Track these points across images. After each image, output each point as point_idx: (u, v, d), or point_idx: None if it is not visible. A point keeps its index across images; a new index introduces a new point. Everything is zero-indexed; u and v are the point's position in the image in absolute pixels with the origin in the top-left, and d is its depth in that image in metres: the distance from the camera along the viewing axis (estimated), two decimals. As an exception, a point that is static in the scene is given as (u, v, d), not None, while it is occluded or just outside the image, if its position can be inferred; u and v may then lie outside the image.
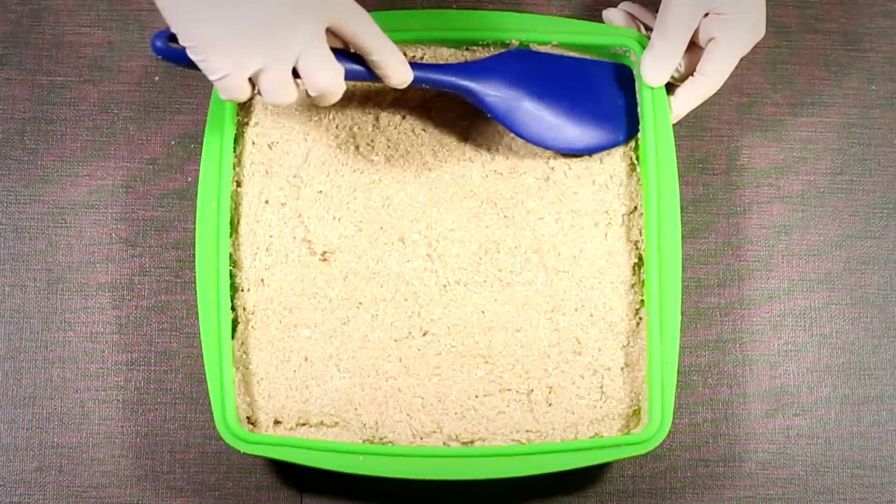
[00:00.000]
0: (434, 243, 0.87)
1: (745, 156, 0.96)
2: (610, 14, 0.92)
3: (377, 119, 0.90)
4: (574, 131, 0.88)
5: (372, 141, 0.89)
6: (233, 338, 0.85)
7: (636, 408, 0.86)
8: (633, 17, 0.91)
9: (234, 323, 0.86)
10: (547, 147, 0.88)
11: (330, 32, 0.75)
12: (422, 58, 0.90)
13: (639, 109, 0.88)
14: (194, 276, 0.84)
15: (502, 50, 0.88)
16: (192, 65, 0.74)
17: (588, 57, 0.89)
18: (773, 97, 0.97)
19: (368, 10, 0.92)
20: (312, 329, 0.87)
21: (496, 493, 0.91)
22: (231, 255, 0.86)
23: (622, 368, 0.87)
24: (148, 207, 0.93)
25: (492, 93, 0.85)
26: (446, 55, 0.90)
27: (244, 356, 0.86)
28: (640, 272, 0.87)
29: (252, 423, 0.85)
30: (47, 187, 0.93)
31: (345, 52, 0.78)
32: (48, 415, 0.91)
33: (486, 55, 0.90)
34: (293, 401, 0.86)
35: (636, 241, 0.88)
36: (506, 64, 0.87)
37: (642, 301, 0.87)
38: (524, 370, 0.86)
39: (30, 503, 0.90)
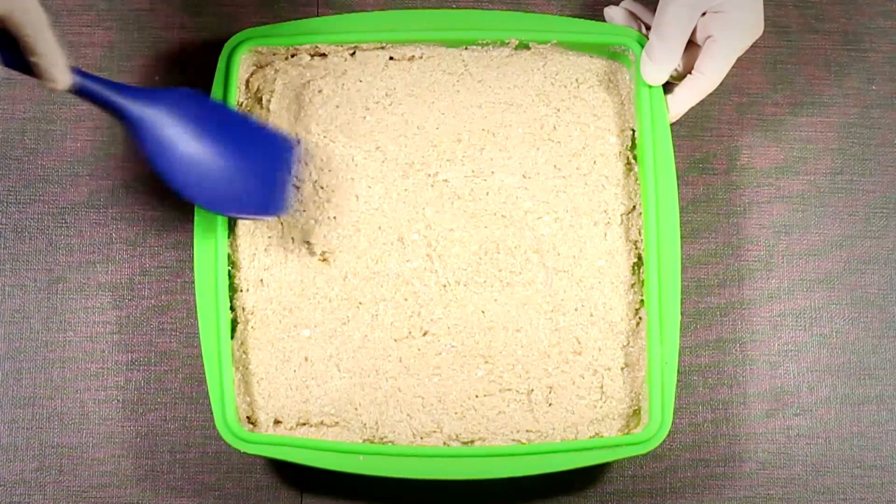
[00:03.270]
0: (433, 243, 0.88)
1: (745, 156, 0.96)
2: (611, 12, 0.92)
3: (372, 116, 0.90)
4: (232, 192, 0.83)
5: (367, 140, 0.89)
6: (232, 338, 0.86)
7: (636, 408, 0.86)
8: (634, 15, 0.91)
9: (234, 323, 0.86)
10: (197, 203, 0.83)
11: None
12: (420, 57, 0.90)
13: (636, 108, 0.88)
14: (194, 277, 0.84)
15: (178, 87, 0.84)
16: None
17: (261, 124, 0.87)
18: (773, 97, 0.97)
19: (369, 10, 0.92)
20: (312, 329, 0.87)
21: (496, 493, 0.91)
22: (230, 256, 0.86)
23: (622, 368, 0.87)
24: (148, 207, 0.93)
25: (150, 127, 0.80)
26: (446, 55, 0.90)
27: (244, 356, 0.86)
28: (639, 272, 0.87)
29: (252, 423, 0.85)
30: (47, 187, 0.93)
31: (6, 40, 0.73)
32: (48, 415, 0.91)
33: (486, 54, 0.90)
34: (293, 401, 0.86)
35: (635, 241, 0.88)
36: (174, 100, 0.82)
37: (642, 301, 0.87)
38: (524, 370, 0.86)
39: (30, 503, 0.90)
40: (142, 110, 0.80)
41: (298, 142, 0.87)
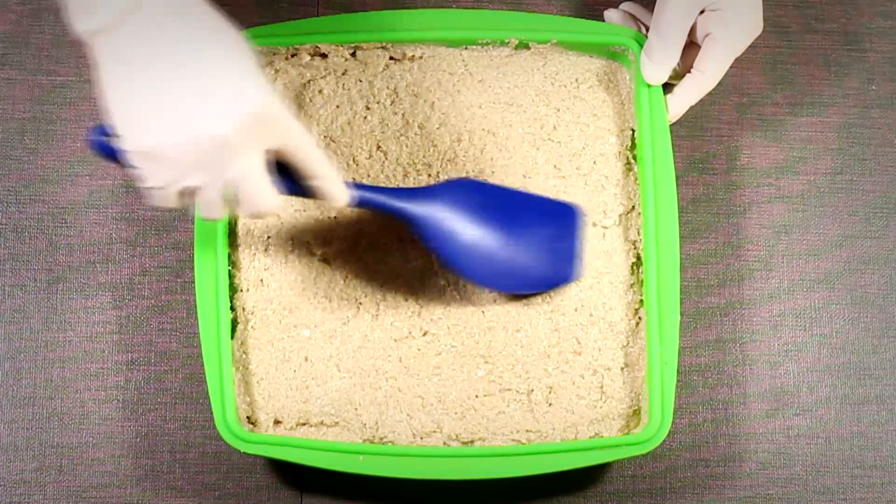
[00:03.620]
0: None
1: (745, 156, 0.96)
2: (611, 14, 0.92)
3: (373, 116, 0.90)
4: (518, 270, 0.85)
5: (368, 140, 0.89)
6: (232, 338, 0.85)
7: (636, 408, 0.86)
8: (634, 17, 0.91)
9: (234, 323, 0.86)
10: (487, 286, 0.85)
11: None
12: (420, 57, 0.90)
13: (635, 108, 0.88)
14: (194, 277, 0.84)
15: (452, 178, 0.86)
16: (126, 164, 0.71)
17: (539, 194, 0.87)
18: (773, 97, 0.97)
19: (369, 10, 0.92)
20: (312, 329, 0.87)
21: (496, 493, 0.91)
22: (230, 256, 0.86)
23: (622, 368, 0.87)
24: (148, 207, 0.93)
25: (432, 223, 0.82)
26: (446, 55, 0.90)
27: (244, 356, 0.86)
28: (638, 272, 0.87)
29: (252, 423, 0.85)
30: (47, 187, 0.93)
31: (282, 168, 0.75)
32: (48, 415, 0.91)
33: (486, 54, 0.90)
34: (293, 401, 0.86)
35: (634, 241, 0.88)
36: (450, 192, 0.84)
37: (641, 301, 0.87)
38: (524, 370, 0.86)
39: (30, 503, 0.90)
40: (421, 209, 0.82)
41: (578, 208, 0.87)
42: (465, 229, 0.83)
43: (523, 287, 0.86)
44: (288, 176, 0.75)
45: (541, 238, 0.85)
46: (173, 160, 0.69)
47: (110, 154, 0.73)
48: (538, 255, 0.85)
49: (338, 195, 0.77)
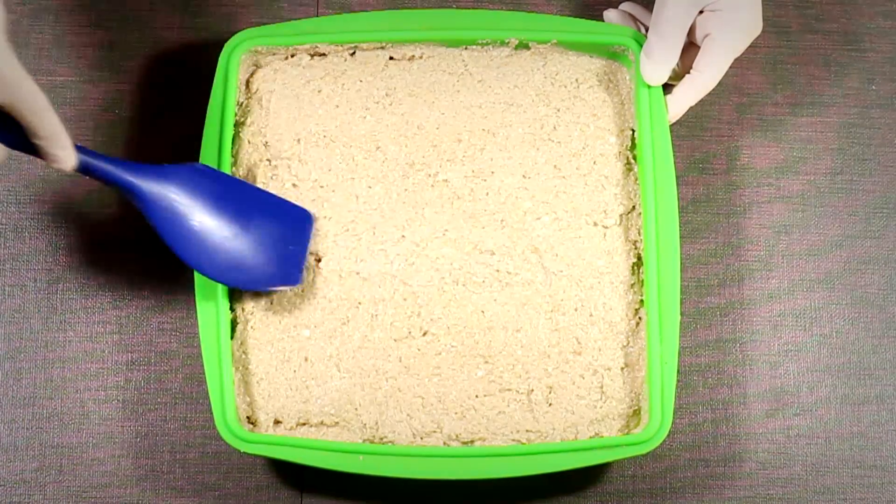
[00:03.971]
0: (433, 243, 0.87)
1: (745, 156, 0.96)
2: (611, 15, 0.92)
3: (372, 116, 0.90)
4: (244, 265, 0.84)
5: (368, 140, 0.89)
6: (232, 338, 0.85)
7: (636, 408, 0.86)
8: (633, 17, 0.91)
9: (234, 323, 0.86)
10: (209, 277, 0.83)
11: None
12: (420, 57, 0.90)
13: (635, 108, 0.88)
14: (194, 277, 0.84)
15: (189, 163, 0.84)
16: None
17: (275, 195, 0.86)
18: (773, 97, 0.97)
19: (369, 11, 0.92)
20: (312, 329, 0.87)
21: (496, 493, 0.91)
22: (230, 255, 0.86)
23: (622, 368, 0.87)
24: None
25: (160, 203, 0.81)
26: (446, 55, 0.90)
27: (244, 356, 0.86)
28: (639, 272, 0.87)
29: (252, 423, 0.85)
30: (47, 187, 0.93)
31: (8, 122, 0.73)
32: (48, 415, 0.91)
33: (486, 54, 0.90)
34: (293, 401, 0.86)
35: (635, 241, 0.88)
36: (185, 175, 0.82)
37: (641, 301, 0.87)
38: (524, 370, 0.86)
39: (30, 503, 0.90)
40: (150, 187, 0.80)
41: (312, 215, 0.87)
42: (194, 215, 0.82)
43: (246, 283, 0.84)
44: (15, 130, 0.74)
45: (272, 237, 0.85)
46: None
47: None
48: (266, 254, 0.84)
49: (63, 158, 0.76)
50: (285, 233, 0.85)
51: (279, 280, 0.85)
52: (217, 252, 0.83)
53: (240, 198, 0.84)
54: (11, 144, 0.74)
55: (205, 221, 0.82)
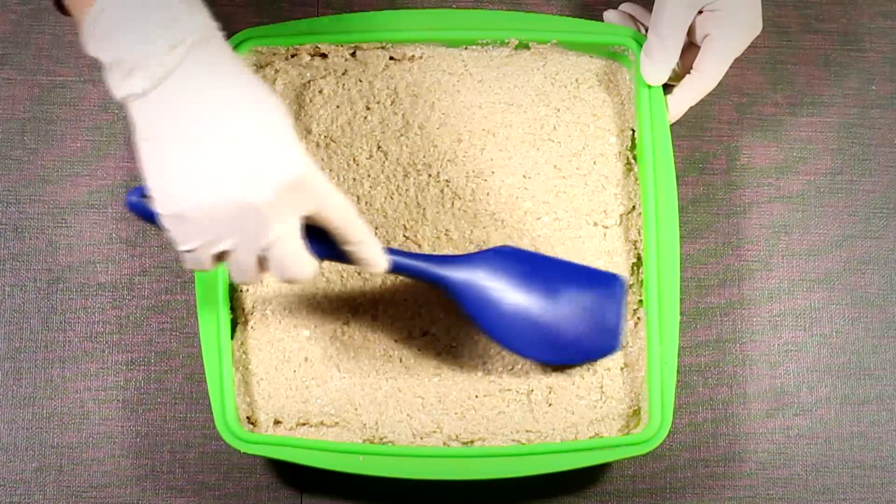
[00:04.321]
0: (434, 243, 0.87)
1: (745, 156, 0.96)
2: (610, 15, 0.92)
3: (373, 117, 0.90)
4: (559, 340, 0.84)
5: (368, 140, 0.89)
6: (232, 338, 0.85)
7: (636, 408, 0.86)
8: (633, 18, 0.91)
9: (234, 323, 0.86)
10: (526, 356, 0.84)
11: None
12: (420, 57, 0.90)
13: (635, 108, 0.88)
14: (194, 276, 0.84)
15: (492, 247, 0.85)
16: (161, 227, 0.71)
17: (582, 264, 0.86)
18: (773, 97, 0.97)
19: (369, 11, 0.92)
20: (312, 329, 0.87)
21: (496, 493, 0.91)
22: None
23: (622, 368, 0.87)
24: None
25: (471, 291, 0.82)
26: (446, 55, 0.90)
27: (244, 356, 0.86)
28: (638, 272, 0.87)
29: (252, 423, 0.85)
30: (47, 187, 0.93)
31: (318, 233, 0.74)
32: (48, 415, 0.91)
33: (486, 54, 0.90)
34: (293, 401, 0.86)
35: (635, 241, 0.88)
36: (491, 260, 0.83)
37: (641, 301, 0.87)
38: (524, 370, 0.86)
39: (30, 503, 0.90)
40: (460, 276, 0.81)
41: (622, 279, 0.86)
42: (504, 297, 0.82)
43: (564, 358, 0.85)
44: (324, 241, 0.74)
45: (583, 308, 0.84)
46: (206, 225, 0.68)
47: (146, 215, 0.72)
48: (580, 326, 0.84)
49: (376, 261, 0.76)
50: (596, 301, 0.84)
51: (596, 350, 0.85)
52: (532, 330, 0.83)
53: (547, 272, 0.84)
54: (322, 255, 0.75)
55: (517, 303, 0.82)
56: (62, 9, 0.71)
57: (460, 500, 0.90)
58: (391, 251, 0.79)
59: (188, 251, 0.70)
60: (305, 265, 0.72)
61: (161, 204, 0.69)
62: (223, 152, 0.67)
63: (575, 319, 0.84)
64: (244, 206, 0.67)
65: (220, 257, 0.71)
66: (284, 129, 0.69)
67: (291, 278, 0.72)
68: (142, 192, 0.73)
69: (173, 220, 0.69)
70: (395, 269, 0.79)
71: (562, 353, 0.84)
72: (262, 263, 0.71)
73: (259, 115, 0.68)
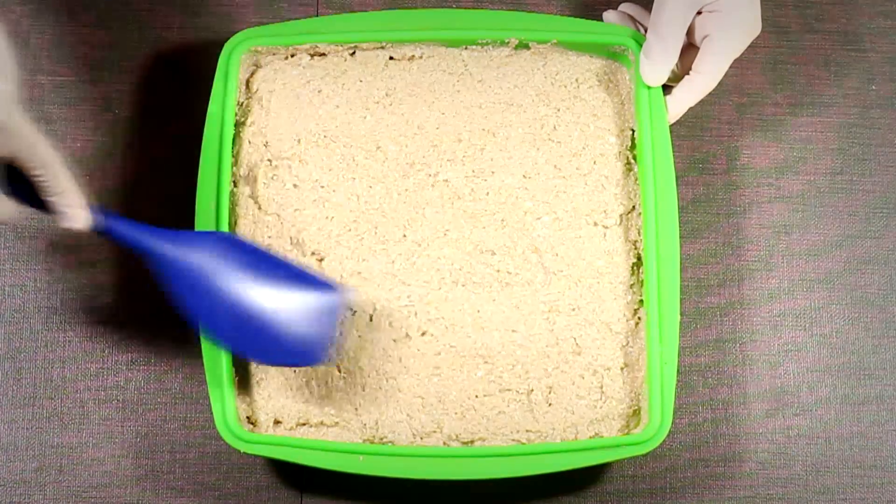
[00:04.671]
0: (433, 243, 0.87)
1: (745, 156, 0.96)
2: (609, 16, 0.92)
3: (372, 116, 0.90)
4: (265, 340, 0.81)
5: (368, 140, 0.89)
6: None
7: (636, 408, 0.86)
8: (632, 18, 0.91)
9: (234, 323, 0.86)
10: (227, 348, 0.81)
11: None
12: (420, 57, 0.90)
13: (635, 108, 0.88)
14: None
15: (216, 231, 0.83)
16: None
17: (307, 270, 0.83)
18: (773, 97, 0.97)
19: (369, 11, 0.92)
20: (312, 329, 0.87)
21: (496, 493, 0.91)
22: (229, 256, 0.86)
23: (622, 368, 0.87)
24: (148, 207, 0.93)
25: (179, 268, 0.79)
26: (446, 55, 0.90)
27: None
28: (638, 272, 0.87)
29: (252, 423, 0.85)
30: (47, 187, 0.93)
31: (19, 177, 0.73)
32: (48, 415, 0.91)
33: (486, 54, 0.90)
34: (293, 401, 0.86)
35: (635, 241, 0.88)
36: (211, 244, 0.81)
37: (641, 301, 0.87)
38: (524, 370, 0.86)
39: (30, 503, 0.90)
40: (174, 254, 0.79)
41: (343, 294, 0.83)
42: (219, 287, 0.80)
43: (261, 357, 0.82)
44: (28, 186, 0.73)
45: (295, 312, 0.81)
46: None
47: None
48: (289, 329, 0.81)
49: (75, 217, 0.75)
50: (314, 307, 0.82)
51: (300, 358, 0.82)
52: (240, 323, 0.80)
53: (267, 270, 0.82)
54: (24, 200, 0.74)
55: (227, 291, 0.80)
56: None
57: (460, 500, 0.90)
58: (103, 211, 0.77)
59: None
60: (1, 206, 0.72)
61: None
62: None
63: (284, 321, 0.81)
64: None
65: None
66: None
67: None
68: None
69: None
70: (104, 231, 0.77)
71: (266, 352, 0.81)
72: None
73: None
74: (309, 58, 0.90)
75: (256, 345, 0.81)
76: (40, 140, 0.72)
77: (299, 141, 0.89)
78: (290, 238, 0.88)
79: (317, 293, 0.82)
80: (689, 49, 0.87)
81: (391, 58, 0.91)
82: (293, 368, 0.86)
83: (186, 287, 0.79)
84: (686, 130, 0.96)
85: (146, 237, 0.78)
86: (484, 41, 0.90)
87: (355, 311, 0.85)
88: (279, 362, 0.83)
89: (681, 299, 0.85)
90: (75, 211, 0.75)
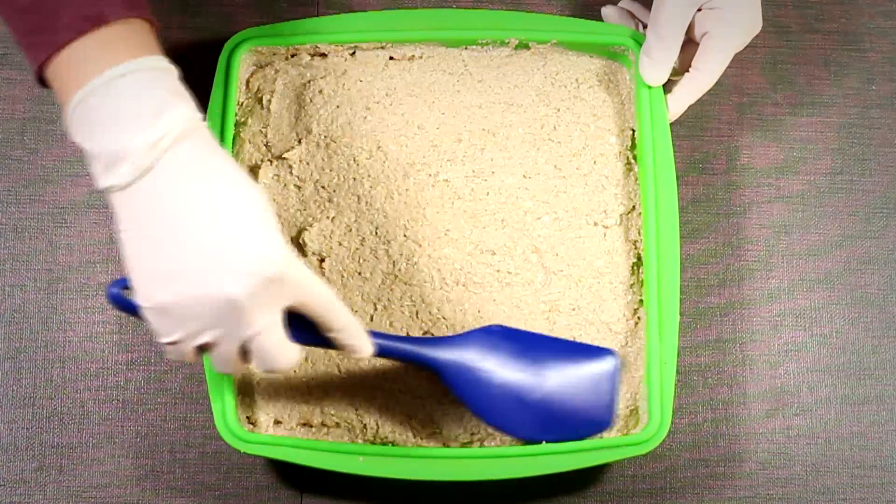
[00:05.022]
0: (434, 243, 0.87)
1: (745, 156, 0.96)
2: (608, 11, 0.92)
3: (373, 116, 0.90)
4: (550, 419, 0.82)
5: (368, 140, 0.89)
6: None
7: (634, 408, 0.86)
8: (631, 14, 0.91)
9: (234, 323, 0.86)
10: (516, 436, 0.82)
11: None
12: (420, 57, 0.90)
13: (636, 108, 0.88)
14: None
15: (477, 327, 0.84)
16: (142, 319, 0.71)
17: (574, 341, 0.85)
18: (773, 97, 0.97)
19: (369, 10, 0.92)
20: (312, 329, 0.87)
21: (496, 494, 0.91)
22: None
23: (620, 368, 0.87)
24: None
25: (459, 371, 0.81)
26: (446, 55, 0.90)
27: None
28: (638, 272, 0.87)
29: (252, 423, 0.85)
30: (47, 187, 0.93)
31: (301, 319, 0.74)
32: (48, 415, 0.91)
33: (486, 54, 0.90)
34: (293, 401, 0.86)
35: (635, 241, 0.88)
36: (479, 340, 0.83)
37: (641, 301, 0.87)
38: (524, 370, 0.86)
39: (30, 503, 0.90)
40: (449, 358, 0.81)
41: (617, 354, 0.84)
42: (493, 377, 0.82)
43: (556, 436, 0.83)
44: (308, 327, 0.74)
45: (574, 385, 0.83)
46: (188, 318, 0.68)
47: (128, 308, 0.73)
48: (571, 403, 0.83)
49: (361, 347, 0.77)
50: (590, 376, 0.83)
51: (590, 427, 0.83)
52: (522, 409, 0.82)
53: (537, 349, 0.83)
54: (306, 341, 0.75)
55: (506, 382, 0.82)
56: (44, 83, 0.70)
57: (460, 500, 0.90)
58: (375, 335, 0.79)
59: (170, 343, 0.70)
60: (288, 355, 0.72)
61: (143, 297, 0.69)
62: (204, 247, 0.67)
63: (566, 396, 0.83)
64: (225, 301, 0.67)
65: (203, 348, 0.71)
66: (266, 222, 0.69)
67: (274, 368, 0.72)
68: (123, 285, 0.73)
69: (155, 313, 0.69)
70: (382, 352, 0.79)
71: (553, 431, 0.83)
72: (245, 355, 0.72)
73: (242, 208, 0.68)
74: (309, 58, 0.90)
75: (547, 425, 0.82)
76: (316, 282, 0.72)
77: (300, 141, 0.89)
78: (291, 238, 0.88)
79: (591, 359, 0.84)
80: (689, 45, 0.87)
81: (391, 58, 0.91)
82: (293, 369, 0.86)
83: (467, 386, 0.81)
84: (686, 130, 0.96)
85: (422, 349, 0.81)
86: (484, 41, 0.90)
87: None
88: (573, 437, 0.83)
89: (681, 299, 0.85)
90: (361, 342, 0.76)
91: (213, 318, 0.68)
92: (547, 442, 0.82)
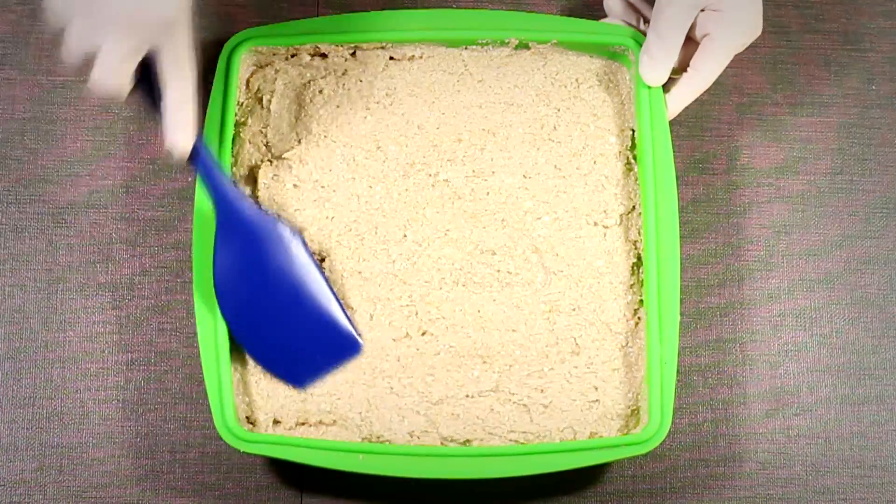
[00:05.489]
0: (434, 243, 0.87)
1: (745, 156, 0.96)
2: (610, 2, 0.91)
3: (373, 116, 0.90)
4: (264, 338, 0.83)
5: (368, 140, 0.89)
6: (230, 338, 0.85)
7: (635, 408, 0.86)
8: (633, 7, 0.91)
9: (234, 323, 0.86)
10: (227, 321, 0.83)
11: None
12: (420, 57, 0.91)
13: (636, 108, 0.88)
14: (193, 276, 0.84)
15: (290, 224, 0.84)
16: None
17: (336, 315, 0.84)
18: (773, 97, 0.97)
19: (369, 11, 0.92)
20: (311, 329, 0.87)
21: (496, 493, 0.91)
22: (229, 255, 0.86)
23: (621, 369, 0.87)
24: (148, 207, 0.93)
25: (231, 230, 0.81)
26: (446, 55, 0.90)
27: (242, 356, 0.86)
28: (638, 272, 0.87)
29: (251, 423, 0.85)
30: (47, 187, 0.93)
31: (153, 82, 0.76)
32: (48, 415, 0.91)
33: (486, 54, 0.90)
34: (292, 400, 0.86)
35: (635, 241, 0.88)
36: (278, 229, 0.83)
37: (641, 301, 0.87)
38: (523, 370, 0.86)
39: (30, 503, 0.90)
40: (242, 216, 0.81)
41: (361, 346, 0.85)
42: (253, 263, 0.82)
43: (258, 355, 0.84)
44: (149, 90, 0.76)
45: (308, 334, 0.84)
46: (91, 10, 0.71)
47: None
48: (296, 348, 0.83)
49: (176, 136, 0.77)
50: (327, 343, 0.84)
51: (283, 372, 0.84)
52: (248, 308, 0.82)
53: (310, 285, 0.84)
54: (144, 96, 0.76)
55: (265, 282, 0.82)
56: None
57: (460, 499, 0.90)
58: (204, 147, 0.79)
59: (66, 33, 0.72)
60: (118, 79, 0.74)
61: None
62: None
63: (297, 336, 0.83)
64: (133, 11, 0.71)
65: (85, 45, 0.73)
66: None
67: (96, 82, 0.73)
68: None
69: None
70: (195, 160, 0.79)
71: (261, 349, 0.83)
72: (90, 61, 0.73)
73: None
74: (309, 58, 0.90)
75: (260, 341, 0.83)
76: (190, 52, 0.74)
77: (300, 141, 0.89)
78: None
79: (337, 332, 0.84)
80: (688, 45, 0.87)
81: (391, 58, 0.91)
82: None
83: (227, 244, 0.81)
84: (686, 130, 0.96)
85: (228, 188, 0.80)
86: (484, 41, 0.90)
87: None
88: (268, 366, 0.84)
89: (681, 299, 0.85)
90: (184, 130, 0.76)
91: (116, 19, 0.71)
92: (249, 354, 0.84)
